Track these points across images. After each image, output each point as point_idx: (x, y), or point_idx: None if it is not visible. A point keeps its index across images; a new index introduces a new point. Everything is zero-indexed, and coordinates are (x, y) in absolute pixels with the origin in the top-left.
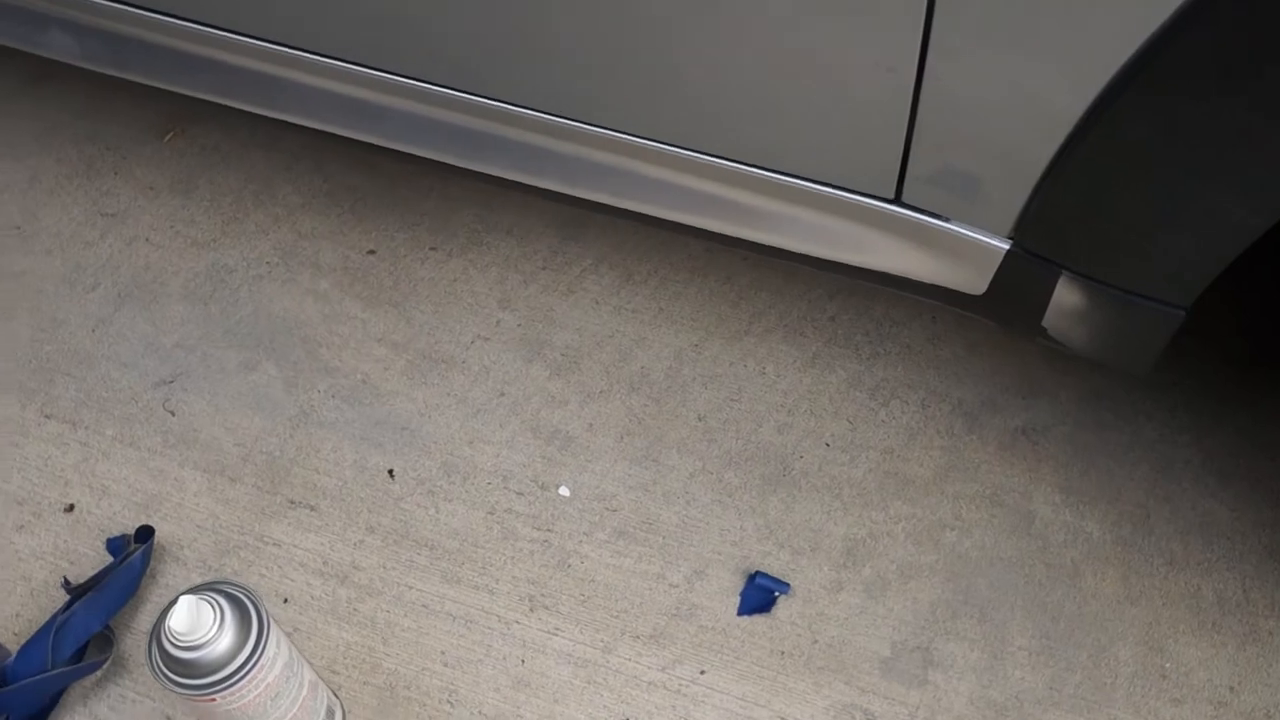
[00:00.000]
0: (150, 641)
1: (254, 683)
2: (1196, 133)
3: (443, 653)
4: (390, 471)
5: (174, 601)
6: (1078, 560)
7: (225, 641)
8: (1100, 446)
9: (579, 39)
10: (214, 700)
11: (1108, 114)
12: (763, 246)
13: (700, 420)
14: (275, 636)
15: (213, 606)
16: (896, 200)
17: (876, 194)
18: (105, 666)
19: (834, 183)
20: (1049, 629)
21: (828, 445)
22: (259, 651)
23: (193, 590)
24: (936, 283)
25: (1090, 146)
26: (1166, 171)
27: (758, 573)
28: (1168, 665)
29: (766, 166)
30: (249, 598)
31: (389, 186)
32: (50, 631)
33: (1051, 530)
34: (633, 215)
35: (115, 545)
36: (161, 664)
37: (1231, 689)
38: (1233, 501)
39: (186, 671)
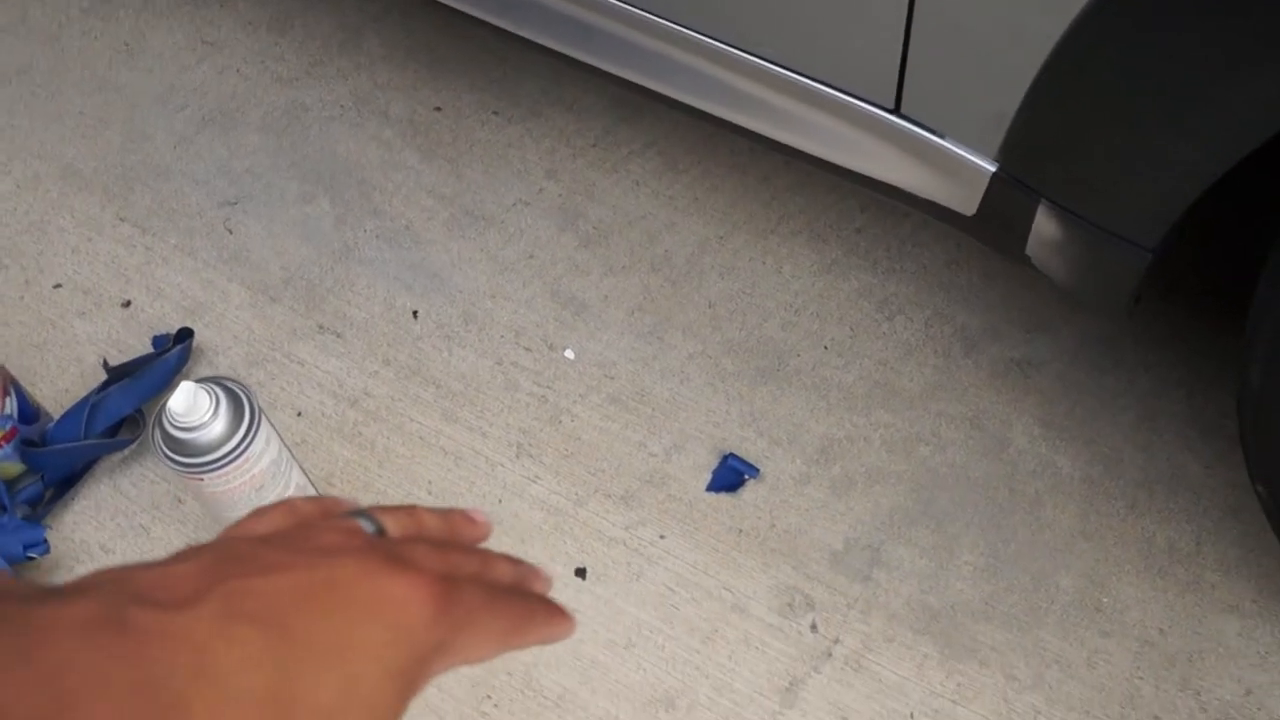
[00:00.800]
0: (154, 419)
1: (239, 470)
2: (1152, 70)
3: (430, 482)
4: (415, 312)
5: (177, 386)
6: (1041, 491)
7: (217, 428)
8: (1091, 388)
9: None
10: (201, 480)
11: (1081, 40)
12: (780, 145)
13: (710, 307)
14: (266, 434)
15: (210, 395)
16: (896, 111)
17: (878, 102)
18: (132, 446)
19: (840, 86)
20: (999, 550)
21: (825, 348)
22: (246, 442)
23: (198, 381)
24: (931, 198)
25: (1065, 73)
26: (1127, 106)
27: (731, 454)
28: (1105, 600)
29: (782, 64)
30: (245, 394)
31: (465, 50)
32: (86, 406)
33: (1023, 459)
34: (681, 106)
35: (159, 343)
36: (160, 441)
37: (1161, 631)
38: (1209, 459)
39: (180, 450)
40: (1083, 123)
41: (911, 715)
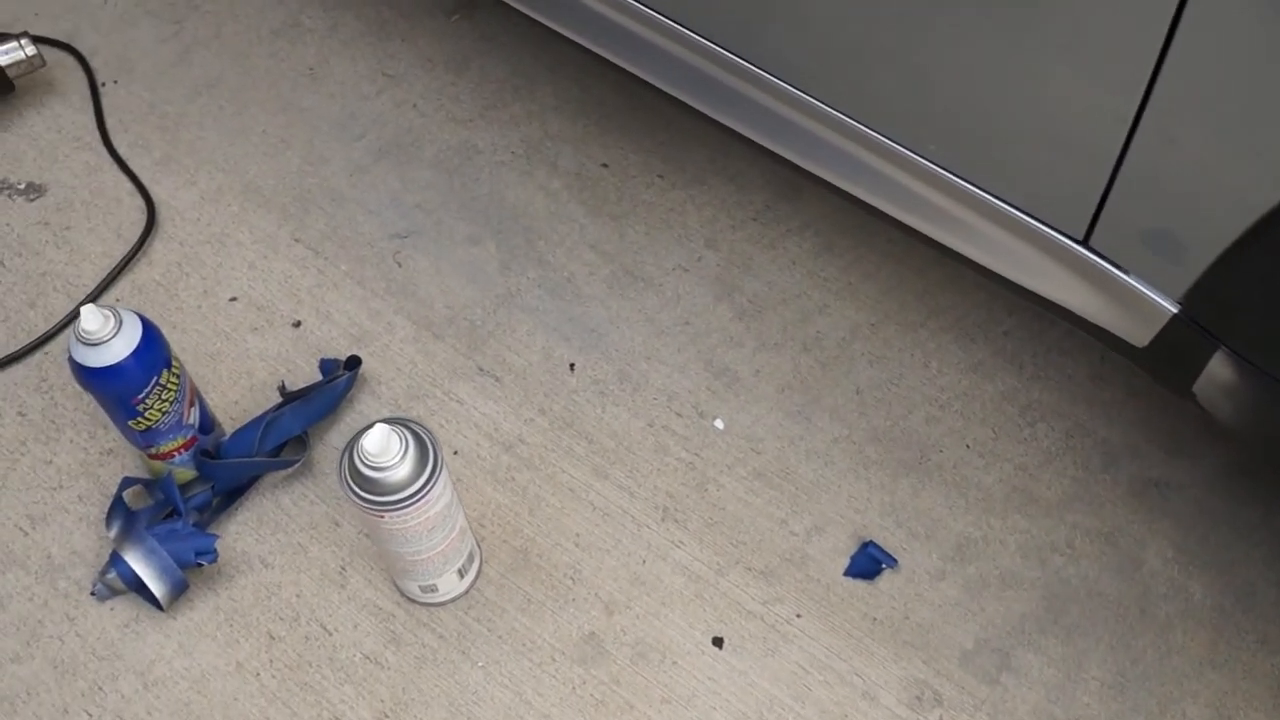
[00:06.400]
0: (343, 454)
1: (418, 512)
2: None
3: (577, 535)
4: (571, 365)
5: (371, 425)
6: (1172, 615)
7: (403, 471)
8: (1227, 518)
9: (835, 23)
10: (382, 517)
11: None
12: (951, 251)
13: (858, 393)
14: (444, 480)
15: (401, 438)
16: (1084, 242)
17: (1066, 231)
18: (297, 465)
19: (1030, 210)
20: (1127, 669)
21: (968, 447)
22: (428, 487)
23: (388, 420)
24: (1102, 325)
25: (1272, 240)
26: None
27: (871, 542)
28: None
29: (972, 180)
30: (431, 441)
31: (636, 110)
32: (261, 424)
33: (1156, 581)
34: (844, 194)
35: (327, 366)
36: (348, 476)
37: None
38: None
39: (367, 487)
40: None
41: None
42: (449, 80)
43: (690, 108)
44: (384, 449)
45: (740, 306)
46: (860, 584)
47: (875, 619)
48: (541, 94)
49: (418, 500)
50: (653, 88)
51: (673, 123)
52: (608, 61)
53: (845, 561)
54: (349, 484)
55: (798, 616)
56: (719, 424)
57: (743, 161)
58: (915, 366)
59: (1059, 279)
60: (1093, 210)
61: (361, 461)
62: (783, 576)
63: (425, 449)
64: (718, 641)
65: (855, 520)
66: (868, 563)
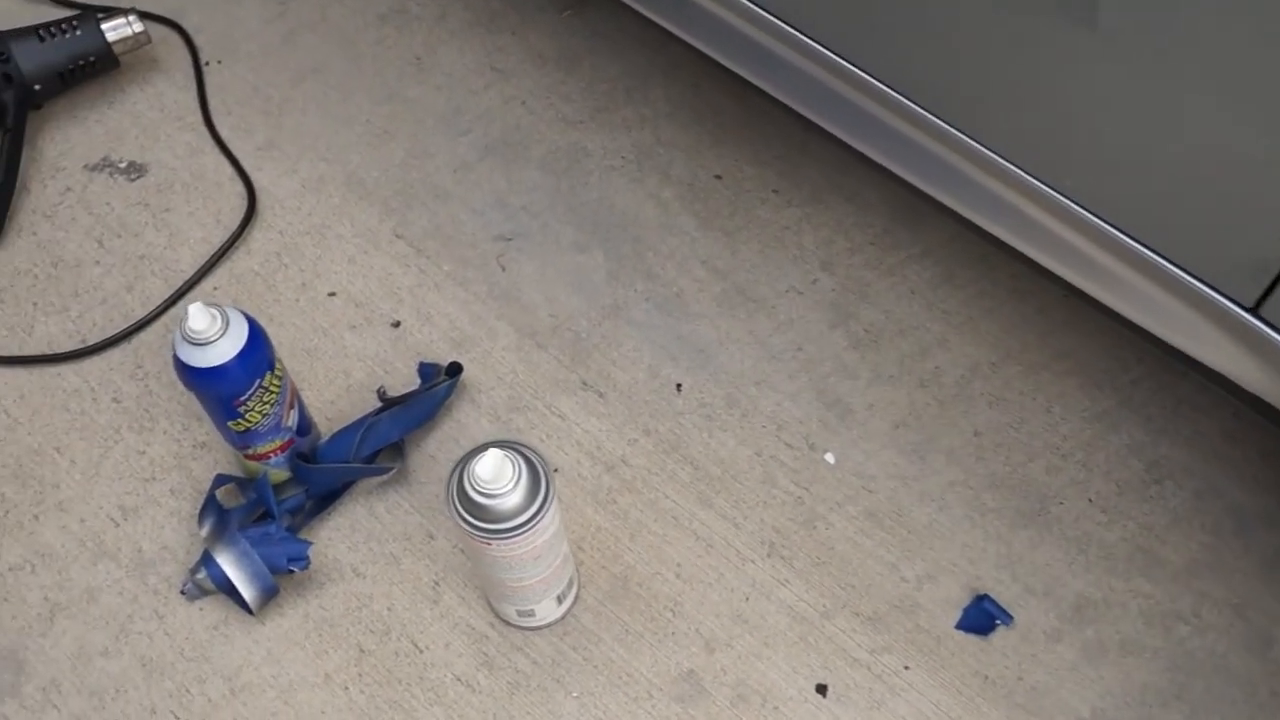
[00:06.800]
0: (451, 475)
1: (524, 542)
2: None
3: (679, 565)
4: (678, 385)
5: (484, 449)
6: None
7: (514, 499)
8: None
9: (991, 59)
10: (488, 544)
11: None
12: (1085, 295)
13: (976, 436)
14: (554, 510)
15: (514, 465)
16: (1253, 310)
17: (1234, 297)
18: (392, 473)
19: (1196, 273)
20: None
21: (1090, 501)
22: (538, 518)
23: (499, 444)
24: (1258, 394)
25: None
26: None
27: (986, 596)
28: None
29: (1135, 235)
30: (543, 469)
31: (752, 121)
32: (359, 429)
33: None
34: (980, 231)
35: (426, 370)
36: (456, 501)
37: None
38: None
39: (475, 513)
40: None
41: None
42: (559, 78)
43: (810, 122)
44: (496, 475)
45: (855, 335)
46: (972, 639)
47: (987, 677)
48: (655, 98)
49: (527, 530)
50: (772, 98)
51: (790, 135)
52: (725, 67)
53: (957, 613)
54: (456, 508)
55: (906, 668)
56: (830, 458)
57: (861, 180)
58: (1037, 411)
59: (1215, 343)
60: (1270, 280)
61: (472, 486)
62: (892, 625)
63: (537, 477)
64: (821, 689)
65: (969, 570)
66: (982, 617)
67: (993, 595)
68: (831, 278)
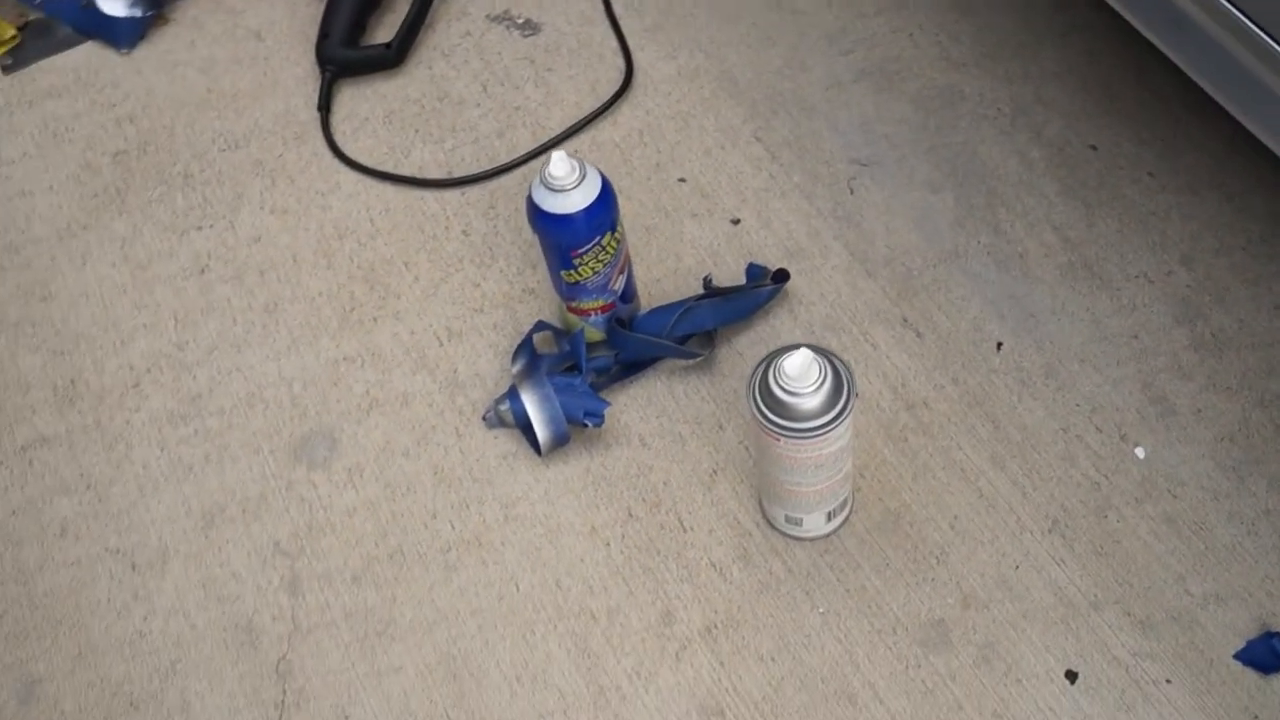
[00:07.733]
0: (758, 367)
1: (812, 446)
2: None
3: (955, 516)
4: (999, 344)
5: (796, 347)
6: None
7: (814, 401)
8: None
9: None
10: (778, 440)
11: None
12: None
13: None
14: (848, 425)
15: (821, 369)
16: None
17: None
18: (699, 359)
19: None
20: None
21: None
22: (831, 427)
23: (811, 346)
24: None
25: None
26: None
27: (1278, 634)
28: None
29: None
30: (848, 380)
31: (1143, 99)
32: (678, 310)
33: None
34: None
35: (754, 271)
36: (757, 391)
37: None
38: None
39: (773, 407)
40: None
41: None
42: (953, 18)
43: (1209, 111)
44: (803, 374)
45: (1200, 336)
46: (1250, 673)
47: (1257, 716)
48: (1045, 57)
49: (819, 435)
50: (1172, 79)
51: (1180, 121)
52: (1129, 38)
53: (1240, 643)
54: (755, 399)
55: (1168, 681)
56: (1140, 452)
57: (1248, 182)
58: None
59: None
60: None
61: (776, 381)
62: (1163, 634)
63: (840, 387)
64: (1071, 675)
65: (1265, 604)
66: (1268, 655)
67: None
68: (1189, 273)
